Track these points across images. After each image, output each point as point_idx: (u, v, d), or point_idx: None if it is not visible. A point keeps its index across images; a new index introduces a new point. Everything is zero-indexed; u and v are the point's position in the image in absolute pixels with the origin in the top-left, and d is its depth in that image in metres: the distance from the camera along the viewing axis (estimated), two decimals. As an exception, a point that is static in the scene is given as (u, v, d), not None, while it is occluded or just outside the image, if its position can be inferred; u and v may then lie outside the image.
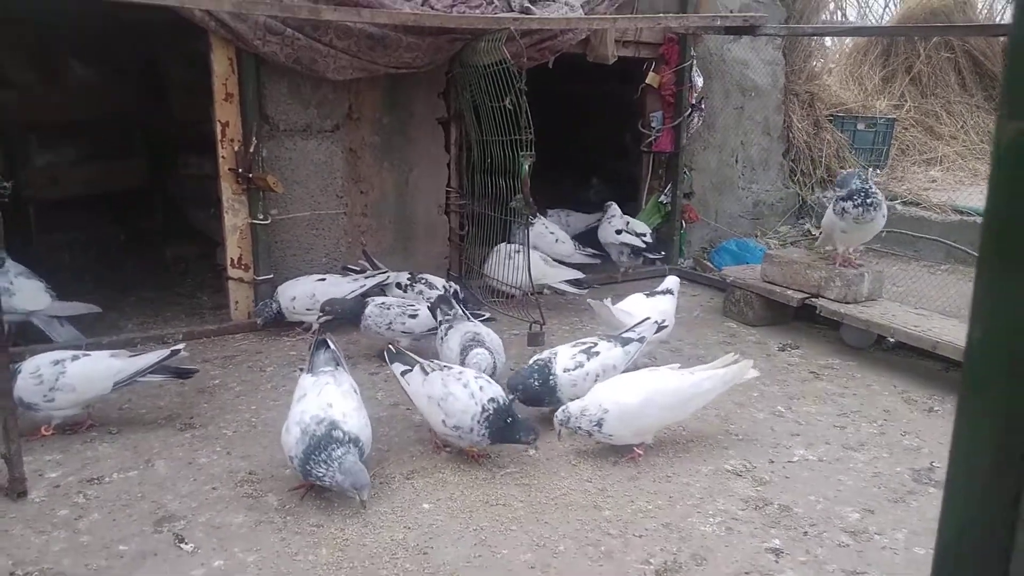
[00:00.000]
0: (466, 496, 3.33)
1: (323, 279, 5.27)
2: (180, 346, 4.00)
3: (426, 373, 3.63)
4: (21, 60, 7.11)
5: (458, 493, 3.36)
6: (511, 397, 3.70)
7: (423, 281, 5.40)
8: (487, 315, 5.08)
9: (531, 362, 3.99)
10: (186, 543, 2.98)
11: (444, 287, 5.30)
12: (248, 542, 2.99)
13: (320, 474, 3.10)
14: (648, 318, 4.36)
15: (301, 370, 3.72)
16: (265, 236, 5.33)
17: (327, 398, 3.30)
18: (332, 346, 3.66)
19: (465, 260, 6.26)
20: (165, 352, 3.90)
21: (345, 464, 3.08)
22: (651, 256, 6.58)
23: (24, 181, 6.88)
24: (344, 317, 4.77)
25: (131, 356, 3.91)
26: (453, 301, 4.58)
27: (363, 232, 5.88)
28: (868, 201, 4.90)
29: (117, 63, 7.52)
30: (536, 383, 3.84)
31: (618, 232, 6.54)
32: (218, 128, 5.12)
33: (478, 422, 3.41)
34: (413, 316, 4.73)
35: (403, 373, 3.72)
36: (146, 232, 7.47)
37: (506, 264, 5.51)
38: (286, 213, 5.50)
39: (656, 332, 4.39)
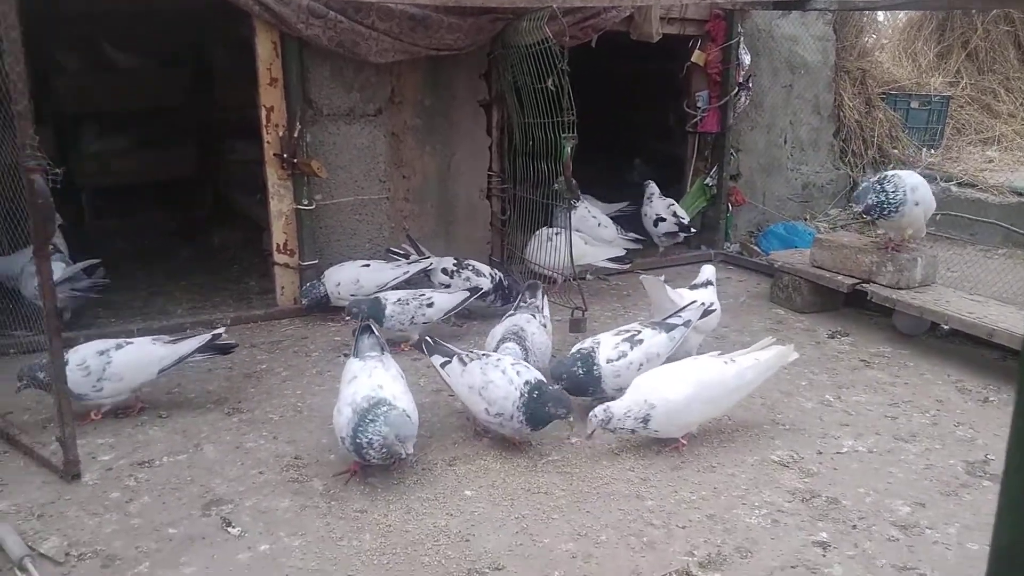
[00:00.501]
0: (508, 484, 3.33)
1: (367, 265, 5.29)
2: (220, 329, 4.08)
3: (464, 363, 3.63)
4: (74, 49, 7.24)
5: (500, 480, 3.36)
6: (555, 385, 3.67)
7: (470, 267, 5.37)
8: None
9: (573, 351, 3.94)
10: (233, 527, 3.03)
11: (491, 274, 5.32)
12: (293, 527, 3.03)
13: (368, 437, 3.11)
14: (695, 301, 4.28)
15: (346, 355, 3.76)
16: (310, 221, 5.37)
17: (378, 380, 3.36)
18: (376, 332, 3.69)
19: (506, 245, 6.24)
20: (207, 336, 3.97)
21: (391, 416, 3.13)
22: (687, 235, 6.62)
23: (76, 168, 7.04)
24: (368, 318, 4.66)
25: (172, 342, 3.96)
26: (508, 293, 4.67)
27: (405, 217, 5.89)
28: (886, 212, 4.80)
29: (167, 51, 7.63)
30: (580, 372, 3.80)
31: (656, 224, 6.55)
32: (263, 113, 5.16)
33: (517, 408, 3.41)
34: (430, 305, 4.74)
35: (443, 365, 3.72)
36: (194, 218, 7.58)
37: (546, 247, 5.47)
38: (330, 198, 5.53)
39: (702, 316, 4.30)
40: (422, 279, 5.38)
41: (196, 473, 3.41)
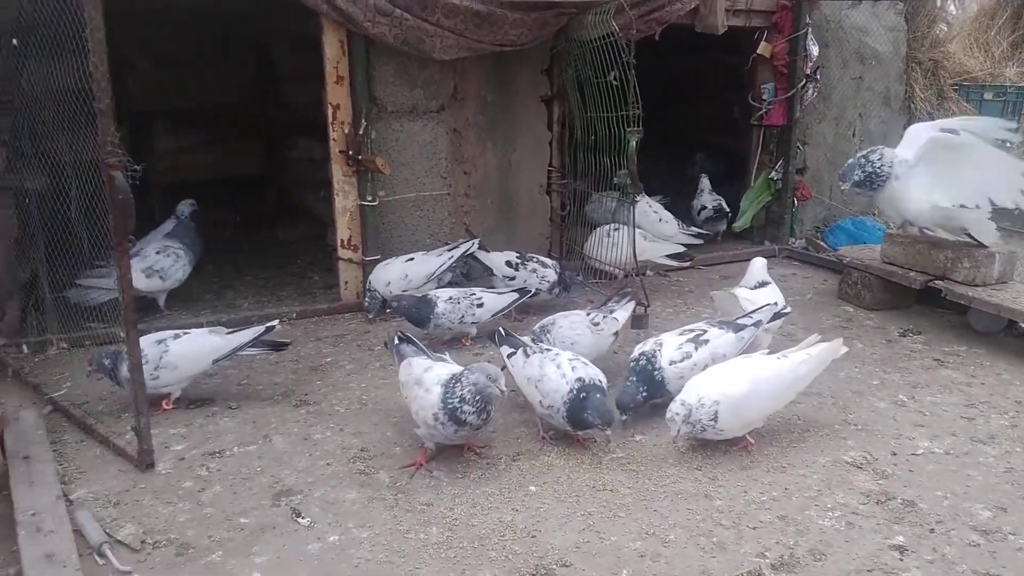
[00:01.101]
0: (572, 480, 3.31)
1: (411, 259, 5.27)
2: (274, 322, 4.15)
3: (527, 356, 3.62)
4: (145, 48, 7.46)
5: (564, 477, 3.34)
6: (623, 418, 3.64)
7: (535, 259, 5.34)
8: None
9: (635, 355, 3.82)
10: (303, 517, 3.08)
11: (555, 266, 5.32)
12: (361, 518, 3.07)
13: (460, 394, 3.18)
14: (768, 304, 4.19)
15: (388, 344, 3.89)
16: (373, 217, 5.42)
17: (454, 367, 3.45)
18: (415, 341, 3.77)
19: (565, 240, 6.21)
20: (260, 328, 4.05)
21: (473, 371, 3.22)
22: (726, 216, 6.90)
23: (147, 165, 7.24)
24: (411, 316, 4.65)
25: (229, 333, 4.05)
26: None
27: (466, 213, 5.91)
28: (875, 185, 4.73)
29: (235, 50, 7.80)
30: (642, 393, 3.67)
31: (699, 212, 6.90)
32: (329, 111, 5.22)
33: (563, 403, 3.40)
34: (480, 305, 4.70)
35: (509, 356, 3.73)
36: (259, 214, 7.73)
37: (605, 243, 5.43)
38: (392, 194, 5.58)
39: (773, 319, 4.18)
40: (482, 272, 5.40)
41: (266, 464, 3.48)
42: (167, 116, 7.63)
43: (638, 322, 4.94)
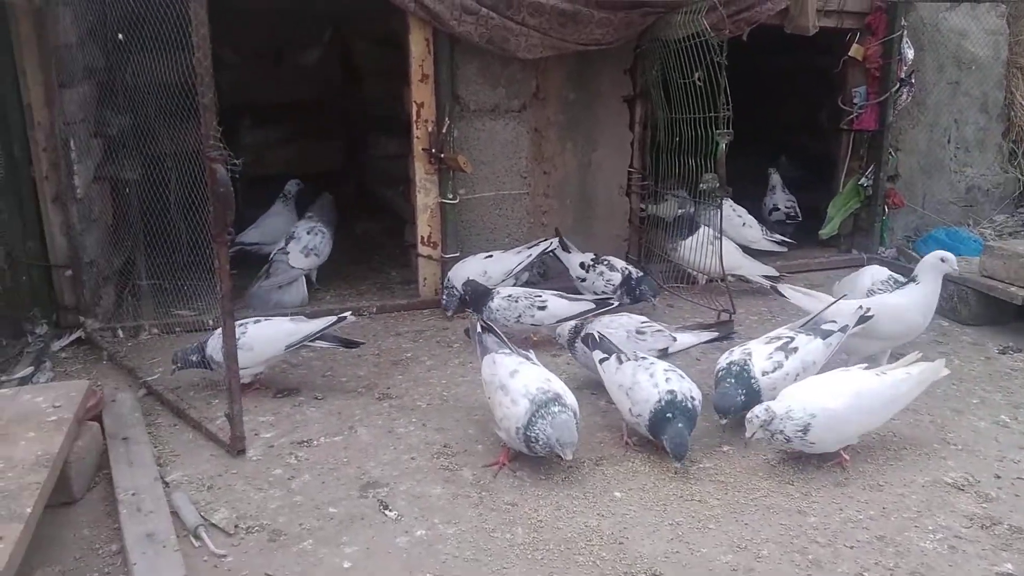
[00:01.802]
0: (659, 488, 3.26)
1: (490, 256, 5.30)
2: (347, 313, 4.20)
3: (620, 362, 3.58)
4: (233, 43, 7.64)
5: (650, 484, 3.29)
6: (723, 421, 3.55)
7: (605, 262, 5.29)
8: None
9: (725, 366, 3.70)
10: (390, 510, 3.10)
11: (623, 269, 5.22)
12: (447, 514, 3.07)
13: (536, 433, 3.17)
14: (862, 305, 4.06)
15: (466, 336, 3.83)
16: (453, 215, 5.45)
17: (542, 373, 3.44)
18: (497, 331, 3.76)
19: (644, 242, 6.13)
20: (332, 318, 4.10)
21: (558, 419, 3.16)
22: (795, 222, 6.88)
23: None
24: (468, 301, 4.69)
25: (304, 322, 4.12)
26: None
27: (544, 212, 5.88)
28: None
29: (319, 48, 7.95)
30: (741, 396, 3.55)
31: (770, 213, 6.92)
32: (413, 109, 5.26)
33: (650, 412, 3.35)
34: (542, 308, 4.54)
35: (601, 361, 3.68)
36: (339, 210, 7.83)
37: (696, 249, 5.33)
38: (472, 193, 5.59)
39: (858, 323, 4.01)
40: (563, 271, 5.37)
41: (352, 455, 3.52)
42: (252, 112, 7.81)
43: (723, 328, 4.84)
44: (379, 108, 7.31)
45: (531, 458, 3.42)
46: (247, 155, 7.61)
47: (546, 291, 4.80)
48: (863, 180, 6.32)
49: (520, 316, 4.55)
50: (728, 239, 5.54)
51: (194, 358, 3.97)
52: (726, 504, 3.13)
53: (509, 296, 4.60)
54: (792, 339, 3.80)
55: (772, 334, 3.93)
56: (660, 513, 3.09)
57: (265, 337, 3.99)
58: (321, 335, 4.08)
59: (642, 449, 3.55)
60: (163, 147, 4.54)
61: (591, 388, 4.10)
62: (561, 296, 4.73)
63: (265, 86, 7.66)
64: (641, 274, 5.25)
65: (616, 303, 4.77)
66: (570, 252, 5.47)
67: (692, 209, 5.59)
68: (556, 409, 3.19)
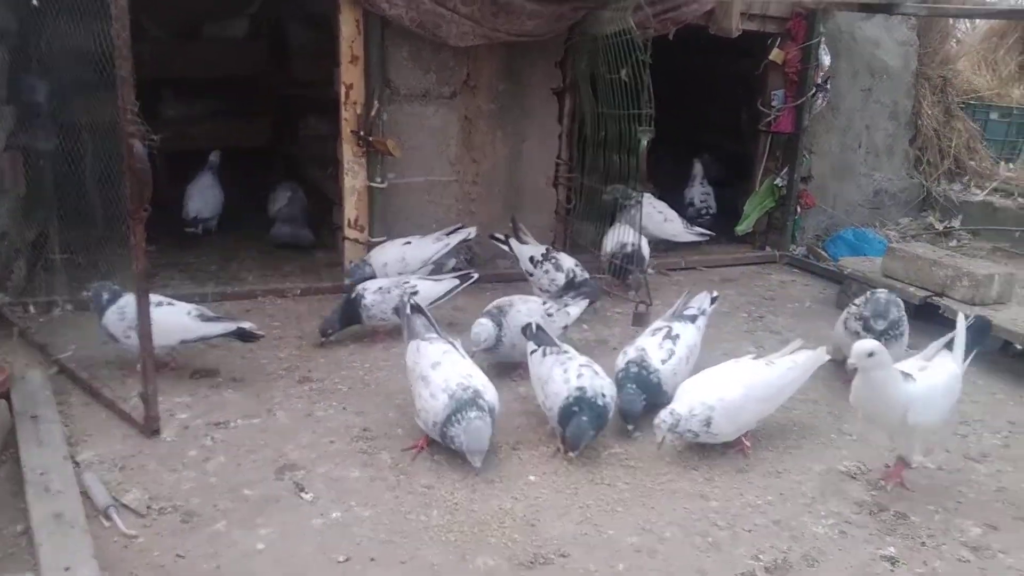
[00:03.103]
0: (571, 473, 3.37)
1: (408, 242, 5.22)
2: (248, 324, 4.04)
3: (544, 356, 3.66)
4: (160, 17, 7.42)
5: (563, 469, 3.39)
6: (630, 427, 3.64)
7: (553, 260, 5.14)
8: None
9: (624, 365, 3.80)
10: (306, 492, 3.12)
11: (569, 271, 5.05)
12: (364, 497, 3.11)
13: (452, 434, 3.24)
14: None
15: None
16: (381, 199, 5.44)
17: (464, 367, 3.47)
18: (427, 312, 3.79)
19: (570, 234, 6.24)
20: (232, 327, 3.99)
21: (472, 426, 3.21)
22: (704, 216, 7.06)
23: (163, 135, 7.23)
24: (343, 324, 4.51)
25: (210, 319, 4.01)
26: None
27: (473, 200, 5.93)
28: (892, 333, 4.20)
29: (248, 23, 7.77)
30: (643, 400, 3.66)
31: (688, 206, 7.07)
32: (342, 90, 5.23)
33: (559, 408, 3.43)
34: (415, 294, 4.41)
35: (532, 352, 3.76)
36: (265, 189, 7.70)
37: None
38: (401, 178, 5.59)
39: (712, 304, 4.38)
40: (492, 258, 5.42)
41: (269, 437, 3.52)
42: (176, 84, 7.60)
43: (639, 319, 5.01)
44: (309, 88, 7.21)
45: (449, 443, 3.49)
46: (169, 130, 7.42)
47: (412, 277, 4.77)
48: (778, 180, 6.57)
49: (397, 306, 4.41)
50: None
51: (104, 296, 3.90)
52: (634, 488, 3.26)
53: (379, 289, 4.51)
54: (671, 328, 3.99)
55: (653, 327, 4.11)
56: (571, 496, 3.20)
57: (159, 326, 3.71)
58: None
59: (557, 434, 3.64)
60: (79, 118, 4.39)
61: (512, 375, 4.18)
62: (427, 278, 4.75)
63: (189, 60, 7.45)
64: (586, 276, 5.10)
65: (476, 276, 4.87)
66: (526, 243, 5.41)
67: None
68: (473, 415, 3.22)
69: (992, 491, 3.41)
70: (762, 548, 2.91)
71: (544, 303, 4.43)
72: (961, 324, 3.49)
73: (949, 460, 3.63)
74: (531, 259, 5.24)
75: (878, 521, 3.13)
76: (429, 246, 5.26)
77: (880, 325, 4.04)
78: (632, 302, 5.19)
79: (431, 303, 4.51)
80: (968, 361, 3.47)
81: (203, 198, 6.38)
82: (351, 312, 4.50)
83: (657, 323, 4.18)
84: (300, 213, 6.42)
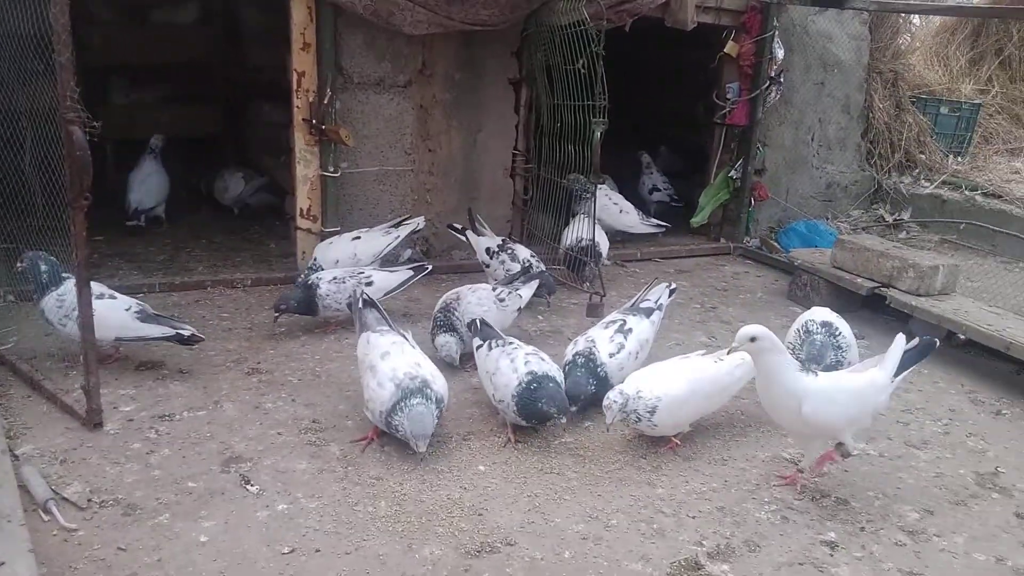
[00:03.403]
0: (521, 462, 3.38)
1: (358, 237, 5.10)
2: (189, 332, 3.93)
3: (490, 349, 3.66)
4: (108, 1, 7.25)
5: (513, 458, 3.41)
6: (573, 408, 3.63)
7: (508, 251, 5.16)
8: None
9: (572, 357, 3.83)
10: (252, 485, 3.09)
11: (525, 261, 5.09)
12: (311, 488, 3.09)
13: (396, 422, 3.22)
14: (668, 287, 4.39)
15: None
16: (334, 188, 5.39)
17: (413, 356, 3.45)
18: (379, 306, 3.77)
19: (527, 225, 6.24)
20: (171, 331, 3.89)
21: (415, 412, 3.20)
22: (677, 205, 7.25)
23: (103, 120, 7.06)
24: (299, 309, 4.44)
25: (149, 318, 3.91)
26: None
27: (429, 190, 5.90)
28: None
29: (200, 8, 7.63)
30: (592, 387, 3.70)
31: (651, 192, 7.27)
32: (294, 78, 5.16)
33: (512, 397, 3.44)
34: (369, 284, 4.44)
35: (478, 348, 3.76)
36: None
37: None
38: (355, 167, 5.55)
39: (669, 297, 4.38)
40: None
41: (216, 430, 3.47)
42: (126, 72, 7.44)
43: (593, 310, 5.04)
44: (263, 74, 7.11)
45: (399, 433, 3.48)
46: (117, 116, 7.28)
47: (367, 267, 4.75)
48: (732, 172, 6.64)
49: (351, 297, 4.35)
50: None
51: (43, 267, 3.82)
52: (582, 476, 3.29)
53: (334, 279, 4.47)
54: (625, 321, 4.01)
55: (608, 319, 4.13)
56: (520, 485, 3.21)
57: (97, 319, 3.56)
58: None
59: (508, 426, 3.65)
60: (18, 104, 4.26)
61: (467, 366, 4.18)
62: (381, 269, 4.73)
63: (138, 45, 7.30)
64: (542, 268, 5.09)
65: (430, 267, 4.86)
66: (482, 235, 5.39)
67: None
68: (416, 401, 3.22)
69: (931, 477, 3.49)
70: (705, 534, 2.96)
71: (494, 288, 4.43)
72: (899, 343, 3.34)
73: (890, 447, 3.72)
74: (487, 250, 5.24)
75: (820, 507, 3.19)
76: (379, 239, 5.15)
77: (814, 370, 3.43)
78: (587, 293, 5.21)
79: (386, 294, 4.54)
80: (903, 376, 3.34)
81: (145, 187, 6.19)
82: (308, 300, 4.42)
83: (613, 315, 4.19)
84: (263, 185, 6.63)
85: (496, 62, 5.91)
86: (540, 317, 5.04)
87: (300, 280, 4.70)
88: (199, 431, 3.45)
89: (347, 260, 4.95)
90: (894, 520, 3.14)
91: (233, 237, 6.20)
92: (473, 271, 5.57)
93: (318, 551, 2.75)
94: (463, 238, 5.45)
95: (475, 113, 5.94)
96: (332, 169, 5.33)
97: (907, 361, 3.35)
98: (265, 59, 6.91)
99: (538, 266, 5.09)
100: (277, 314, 4.42)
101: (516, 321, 4.57)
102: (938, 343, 3.59)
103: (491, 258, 5.20)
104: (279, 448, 3.36)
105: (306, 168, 5.30)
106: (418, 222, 5.35)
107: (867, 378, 3.25)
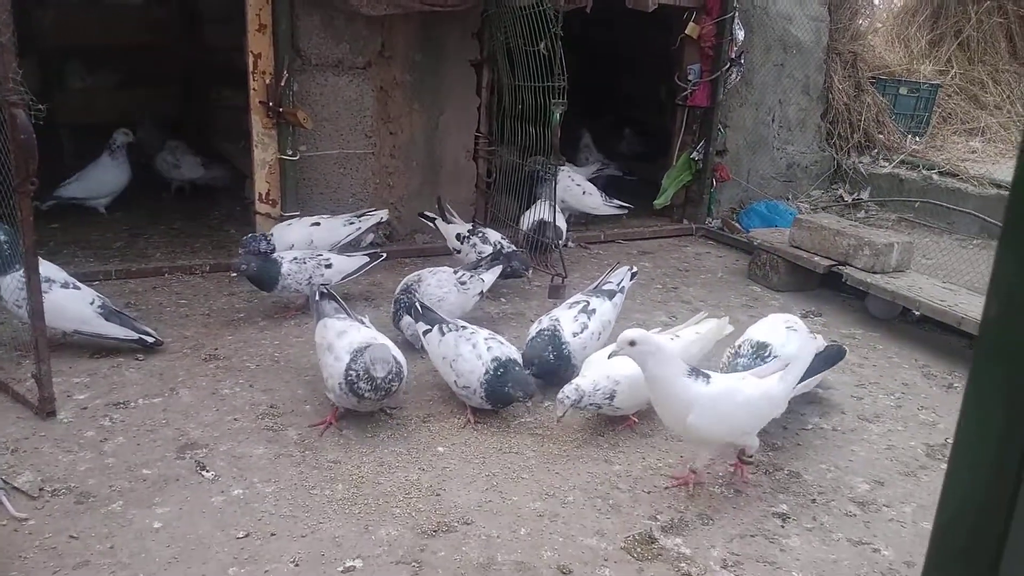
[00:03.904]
0: (480, 442, 3.39)
1: (317, 223, 5.00)
2: (153, 339, 3.94)
3: (443, 334, 3.65)
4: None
5: (472, 439, 3.42)
6: (527, 371, 3.63)
7: (479, 235, 5.13)
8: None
9: (536, 332, 3.85)
10: (207, 471, 3.07)
11: (496, 243, 5.06)
12: (267, 473, 3.08)
13: (353, 372, 3.20)
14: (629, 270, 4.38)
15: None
16: (293, 172, 5.34)
17: (371, 333, 3.47)
18: (337, 298, 3.75)
19: (491, 208, 6.24)
20: (134, 335, 3.88)
21: (373, 346, 3.24)
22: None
23: (58, 105, 6.93)
24: (256, 278, 4.36)
25: (111, 314, 3.87)
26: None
27: (391, 174, 5.87)
28: None
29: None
30: (551, 356, 3.72)
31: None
32: (250, 60, 5.10)
33: (480, 383, 3.44)
34: (328, 267, 4.45)
35: (425, 333, 3.75)
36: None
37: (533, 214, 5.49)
38: (315, 150, 5.50)
39: (631, 280, 4.39)
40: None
41: (171, 416, 3.44)
42: (82, 55, 7.29)
43: (555, 292, 5.05)
44: (221, 57, 7.00)
45: (358, 416, 3.47)
46: (74, 101, 7.15)
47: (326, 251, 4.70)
48: (694, 154, 6.68)
49: (311, 277, 4.39)
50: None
51: (3, 238, 3.73)
52: (540, 455, 3.31)
53: (295, 259, 4.43)
54: (588, 302, 4.03)
55: (571, 300, 4.15)
56: (479, 466, 3.22)
57: (54, 310, 3.57)
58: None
59: (468, 405, 3.66)
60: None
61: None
62: (340, 254, 4.69)
63: (93, 26, 7.15)
64: (513, 249, 5.08)
65: (384, 255, 4.83)
66: (452, 223, 5.35)
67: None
68: (368, 349, 3.24)
69: (882, 449, 3.57)
70: (660, 509, 3.00)
71: (456, 271, 4.42)
72: (807, 352, 3.20)
73: (843, 421, 3.79)
74: (458, 236, 5.22)
75: (773, 480, 3.25)
76: (339, 230, 5.03)
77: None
78: (549, 275, 5.22)
79: (343, 278, 4.52)
80: (804, 384, 3.30)
81: (86, 179, 6.03)
82: (267, 273, 4.33)
83: (577, 296, 4.20)
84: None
85: (457, 44, 5.88)
86: (503, 299, 5.05)
87: (263, 249, 4.65)
88: (154, 418, 3.42)
89: (302, 246, 4.83)
90: (845, 492, 3.20)
91: (192, 223, 6.12)
92: (437, 255, 5.57)
93: (273, 535, 2.74)
94: (433, 226, 5.43)
95: (436, 95, 5.91)
96: (291, 152, 5.27)
97: (814, 368, 3.25)
98: (224, 40, 6.81)
99: (509, 248, 5.08)
100: (235, 274, 4.33)
101: (479, 305, 4.57)
102: (847, 353, 3.63)
103: (462, 243, 5.17)
104: (236, 434, 3.34)
105: (264, 152, 5.25)
106: (381, 215, 5.27)
107: (763, 387, 3.04)
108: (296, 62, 5.24)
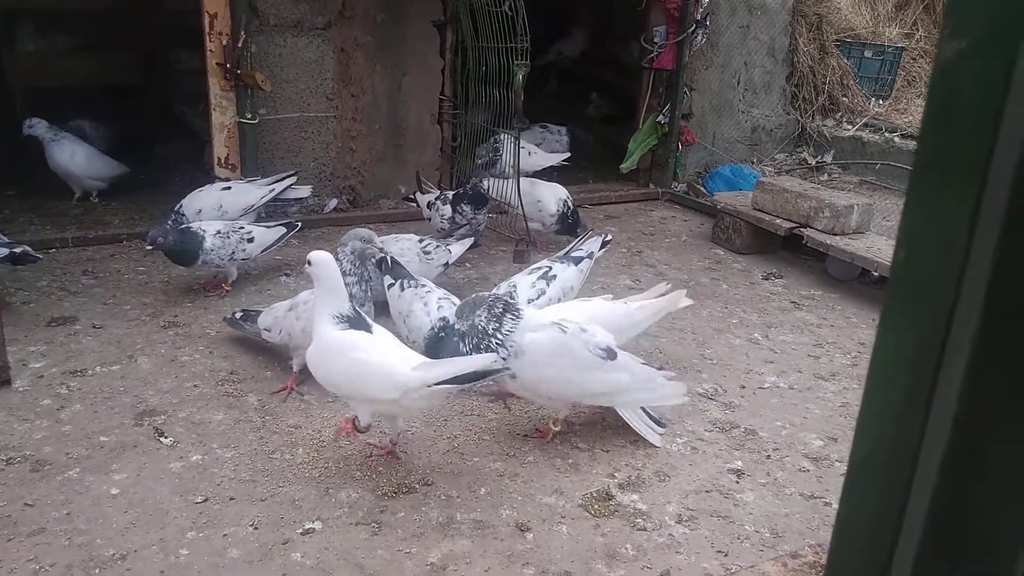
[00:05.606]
0: (442, 406, 3.40)
1: (228, 188, 4.84)
2: (21, 249, 3.88)
3: (402, 290, 3.65)
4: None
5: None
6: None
7: (441, 198, 5.01)
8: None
9: (489, 298, 3.81)
10: (166, 437, 3.06)
11: (449, 199, 4.96)
12: (226, 439, 3.07)
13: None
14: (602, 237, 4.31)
15: (287, 274, 3.75)
16: (253, 136, 5.24)
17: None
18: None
19: (456, 172, 6.19)
20: (4, 251, 3.85)
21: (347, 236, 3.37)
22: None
23: (10, 67, 6.74)
24: (176, 253, 4.13)
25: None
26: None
27: (353, 137, 5.79)
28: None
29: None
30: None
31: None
32: (206, 20, 4.98)
33: (424, 340, 3.45)
34: (250, 240, 4.32)
35: (389, 287, 3.74)
36: (137, 128, 7.32)
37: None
38: (274, 113, 5.41)
39: (601, 248, 4.28)
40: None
41: (129, 384, 3.41)
42: (34, 16, 7.06)
43: (519, 256, 5.06)
44: (180, 18, 6.81)
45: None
46: (26, 63, 6.94)
47: (246, 223, 4.55)
48: (660, 118, 6.67)
49: (234, 252, 4.26)
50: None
51: None
52: (502, 418, 3.34)
53: (218, 233, 4.22)
54: (551, 268, 4.02)
55: (535, 265, 4.14)
56: (440, 428, 3.25)
57: None
58: None
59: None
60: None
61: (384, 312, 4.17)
62: (260, 225, 4.57)
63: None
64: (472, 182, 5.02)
65: (300, 225, 4.72)
66: (427, 192, 5.28)
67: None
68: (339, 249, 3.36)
69: (837, 407, 3.65)
70: (618, 467, 3.05)
71: (421, 240, 4.40)
72: (472, 361, 2.85)
73: (800, 380, 3.86)
74: (428, 204, 5.17)
75: (729, 437, 3.31)
76: (252, 192, 4.86)
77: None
78: (513, 238, 5.23)
79: (264, 250, 4.41)
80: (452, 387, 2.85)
81: None
82: (184, 249, 4.09)
83: (543, 261, 4.18)
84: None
85: (420, 3, 5.78)
86: (468, 264, 5.05)
87: (173, 223, 4.40)
88: (112, 386, 3.39)
89: (211, 211, 4.63)
90: (799, 448, 3.28)
91: (153, 190, 6.00)
92: (399, 220, 5.54)
93: (232, 499, 2.75)
94: (417, 206, 5.35)
95: (399, 57, 5.82)
96: (250, 116, 5.18)
97: (462, 378, 2.76)
98: (181, 2, 6.62)
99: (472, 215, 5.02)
100: (150, 247, 4.05)
101: (441, 275, 4.52)
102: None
103: (431, 210, 5.08)
104: (195, 400, 3.33)
105: (222, 115, 5.15)
106: (293, 180, 5.05)
107: (390, 359, 2.77)
108: (254, 22, 5.13)
